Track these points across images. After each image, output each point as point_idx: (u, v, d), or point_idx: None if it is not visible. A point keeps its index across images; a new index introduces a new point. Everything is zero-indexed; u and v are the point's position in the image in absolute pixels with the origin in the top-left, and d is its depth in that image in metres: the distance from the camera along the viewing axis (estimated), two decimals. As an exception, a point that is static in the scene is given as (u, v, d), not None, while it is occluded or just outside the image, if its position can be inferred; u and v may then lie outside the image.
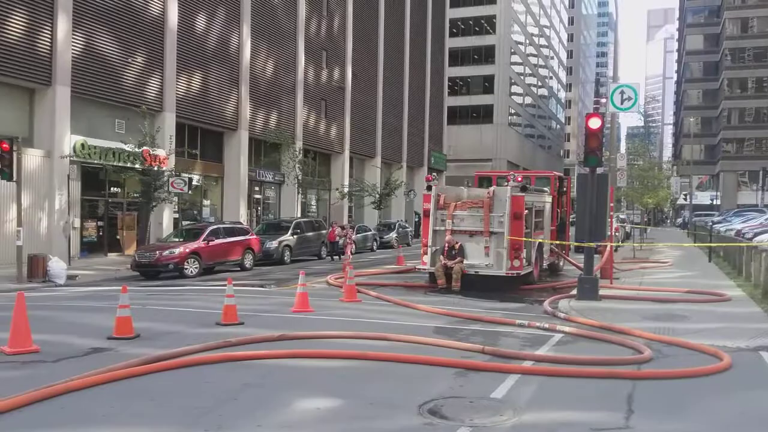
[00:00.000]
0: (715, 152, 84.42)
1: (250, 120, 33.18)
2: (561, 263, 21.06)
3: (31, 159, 22.05)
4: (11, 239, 19.87)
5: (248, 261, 23.07)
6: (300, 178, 33.68)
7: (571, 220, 22.32)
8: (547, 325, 10.84)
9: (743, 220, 35.02)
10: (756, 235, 25.14)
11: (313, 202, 41.57)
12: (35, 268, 18.53)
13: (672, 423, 6.19)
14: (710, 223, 33.17)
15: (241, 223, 26.56)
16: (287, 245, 25.73)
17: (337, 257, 27.15)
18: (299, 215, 34.89)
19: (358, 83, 43.83)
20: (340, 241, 27.06)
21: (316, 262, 26.10)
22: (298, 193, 35.55)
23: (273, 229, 27.25)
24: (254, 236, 24.21)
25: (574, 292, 14.31)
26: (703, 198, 77.59)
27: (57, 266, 18.51)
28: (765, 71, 77.33)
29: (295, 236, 26.40)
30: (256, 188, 35.83)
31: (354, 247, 26.66)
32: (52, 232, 22.68)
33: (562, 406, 6.64)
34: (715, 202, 73.02)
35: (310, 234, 27.52)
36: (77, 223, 24.20)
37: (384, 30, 47.22)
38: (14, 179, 18.31)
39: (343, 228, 27.67)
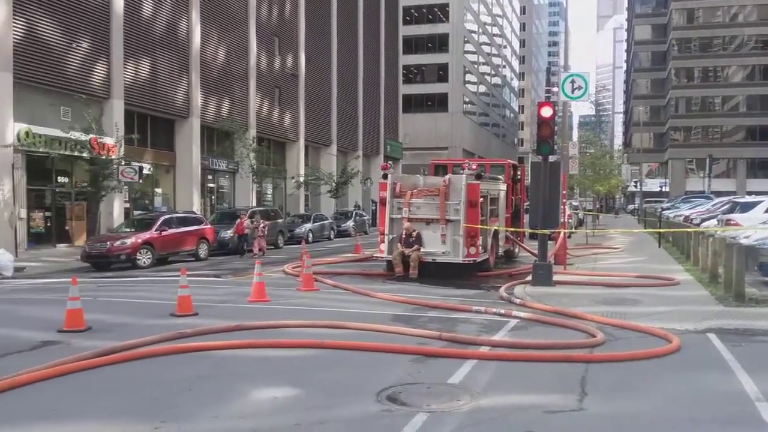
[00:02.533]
0: (663, 140, 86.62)
1: (202, 107, 32.58)
2: (516, 250, 21.35)
3: (-27, 148, 21.23)
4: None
5: (203, 251, 22.75)
6: (254, 166, 33.27)
7: (525, 207, 22.60)
8: (502, 311, 10.95)
9: (691, 207, 35.53)
10: (703, 221, 25.54)
11: (269, 191, 41.15)
12: (-21, 261, 17.89)
13: (623, 403, 6.33)
14: (660, 210, 33.77)
15: (194, 213, 26.15)
16: (243, 235, 25.37)
17: (248, 254, 23.65)
18: (255, 204, 34.49)
19: (311, 70, 43.42)
20: (252, 234, 23.91)
21: (272, 251, 25.85)
22: (253, 182, 35.13)
23: (228, 219, 26.85)
24: (208, 226, 23.85)
25: (530, 278, 14.50)
26: (653, 185, 79.67)
27: (4, 258, 17.93)
28: (710, 61, 79.51)
29: (251, 226, 26.05)
30: (209, 177, 35.25)
31: (265, 242, 23.80)
32: (-4, 222, 21.91)
33: (517, 390, 6.72)
34: (663, 189, 74.98)
35: (267, 223, 27.15)
36: (23, 213, 23.39)
37: (337, 16, 46.84)
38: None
39: (253, 220, 24.43)
